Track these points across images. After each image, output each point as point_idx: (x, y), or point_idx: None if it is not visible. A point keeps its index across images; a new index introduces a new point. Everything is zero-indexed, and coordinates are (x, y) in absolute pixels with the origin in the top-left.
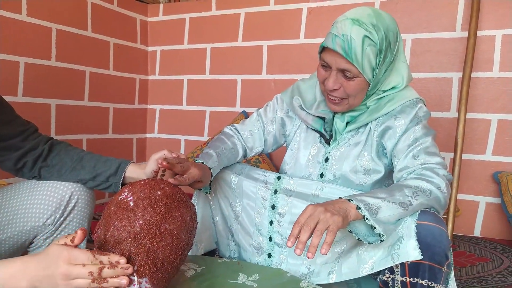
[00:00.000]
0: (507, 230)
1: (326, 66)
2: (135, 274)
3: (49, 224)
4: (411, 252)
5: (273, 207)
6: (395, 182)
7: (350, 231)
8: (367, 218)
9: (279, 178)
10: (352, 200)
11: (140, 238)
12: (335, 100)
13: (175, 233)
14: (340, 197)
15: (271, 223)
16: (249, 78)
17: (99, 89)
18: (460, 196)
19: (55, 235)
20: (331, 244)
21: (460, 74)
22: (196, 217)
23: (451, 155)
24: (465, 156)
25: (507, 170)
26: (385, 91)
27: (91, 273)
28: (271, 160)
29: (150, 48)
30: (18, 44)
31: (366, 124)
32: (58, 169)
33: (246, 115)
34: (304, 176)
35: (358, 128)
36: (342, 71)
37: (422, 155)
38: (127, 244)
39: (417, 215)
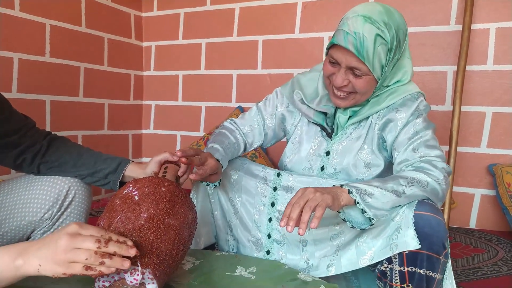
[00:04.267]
0: (502, 222)
1: (334, 62)
2: (139, 263)
3: (47, 219)
4: (410, 241)
5: (273, 204)
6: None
7: (344, 220)
8: (358, 202)
9: (278, 175)
10: (344, 186)
11: (144, 231)
12: (341, 95)
13: (178, 228)
14: (334, 185)
15: (270, 220)
16: (245, 73)
17: (94, 85)
18: (456, 189)
19: (52, 229)
20: (320, 218)
21: (455, 68)
22: (197, 217)
23: (446, 148)
24: (460, 149)
25: (502, 162)
26: (388, 86)
27: (99, 241)
28: (267, 154)
29: (144, 44)
30: (12, 40)
31: (367, 118)
32: (57, 165)
33: (242, 110)
34: (305, 169)
35: (360, 121)
36: (351, 69)
37: (422, 148)
38: (132, 236)
39: (415, 205)
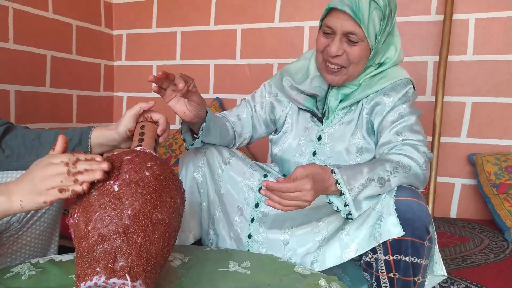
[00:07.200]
0: (483, 210)
1: (329, 33)
2: (128, 277)
3: (14, 222)
4: (393, 229)
5: (257, 205)
6: (377, 157)
7: (329, 202)
8: (348, 205)
9: (265, 175)
10: (339, 184)
11: (130, 233)
12: (334, 68)
13: (168, 222)
14: (332, 170)
15: (252, 220)
16: (223, 63)
17: (61, 74)
18: (437, 179)
19: (20, 232)
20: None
21: (435, 58)
22: (185, 195)
23: (429, 138)
24: (440, 139)
25: (481, 151)
26: (380, 64)
27: (66, 164)
28: (247, 148)
29: (115, 32)
30: None
31: (358, 102)
32: (16, 154)
33: (220, 101)
34: (296, 155)
35: (351, 106)
36: (346, 35)
37: (405, 132)
38: (116, 240)
39: (395, 191)
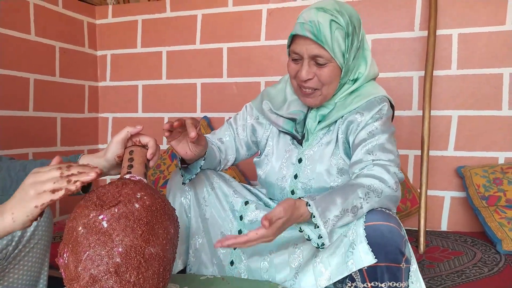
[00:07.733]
0: (474, 223)
1: (297, 59)
2: None
3: (0, 259)
4: (364, 257)
5: (240, 232)
6: (350, 175)
7: (300, 231)
8: (321, 236)
9: (246, 203)
10: (314, 217)
11: (122, 272)
12: (307, 91)
13: (162, 255)
14: (307, 203)
15: (235, 248)
16: (209, 82)
17: (45, 97)
18: (427, 192)
19: (7, 270)
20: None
21: (420, 73)
22: (178, 224)
23: (415, 152)
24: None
25: (469, 164)
26: (354, 80)
27: (60, 168)
28: (237, 166)
29: (99, 53)
30: None
31: (335, 122)
32: (1, 187)
33: (208, 120)
34: (278, 179)
35: (329, 126)
36: (314, 58)
37: (376, 151)
38: (108, 280)
39: (364, 217)
